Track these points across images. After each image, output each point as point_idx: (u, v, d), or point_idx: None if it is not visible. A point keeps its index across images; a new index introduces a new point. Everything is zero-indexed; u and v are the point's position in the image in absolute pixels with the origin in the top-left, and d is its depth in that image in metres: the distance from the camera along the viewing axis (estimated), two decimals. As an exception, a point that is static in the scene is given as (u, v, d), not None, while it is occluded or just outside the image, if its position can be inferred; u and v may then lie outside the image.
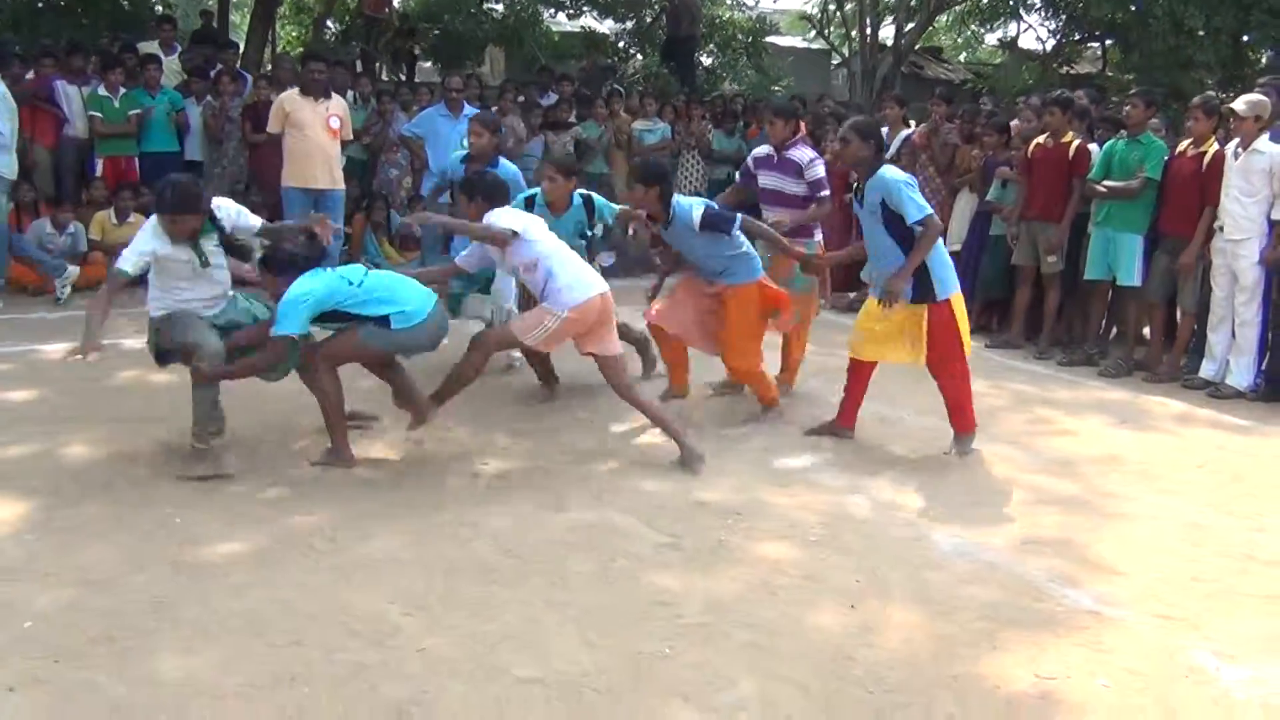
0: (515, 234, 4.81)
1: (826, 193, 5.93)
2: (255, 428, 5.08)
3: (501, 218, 4.91)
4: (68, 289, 8.10)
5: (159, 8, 14.70)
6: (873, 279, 5.29)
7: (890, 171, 4.98)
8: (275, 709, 2.87)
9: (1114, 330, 7.84)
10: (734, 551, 4.00)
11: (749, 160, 6.21)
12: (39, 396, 5.56)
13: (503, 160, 6.16)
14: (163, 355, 4.71)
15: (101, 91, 9.32)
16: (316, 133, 8.13)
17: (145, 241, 4.46)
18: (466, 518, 4.19)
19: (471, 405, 5.42)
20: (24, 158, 9.51)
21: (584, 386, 5.87)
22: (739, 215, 5.43)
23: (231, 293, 4.78)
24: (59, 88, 9.40)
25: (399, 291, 4.63)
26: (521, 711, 2.92)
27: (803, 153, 5.94)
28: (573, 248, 5.19)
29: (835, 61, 21.83)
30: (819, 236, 6.17)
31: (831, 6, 19.40)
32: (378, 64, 14.77)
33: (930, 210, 4.94)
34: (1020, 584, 3.81)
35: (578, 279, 4.88)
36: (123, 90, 9.33)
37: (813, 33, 21.15)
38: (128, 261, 4.42)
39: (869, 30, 17.43)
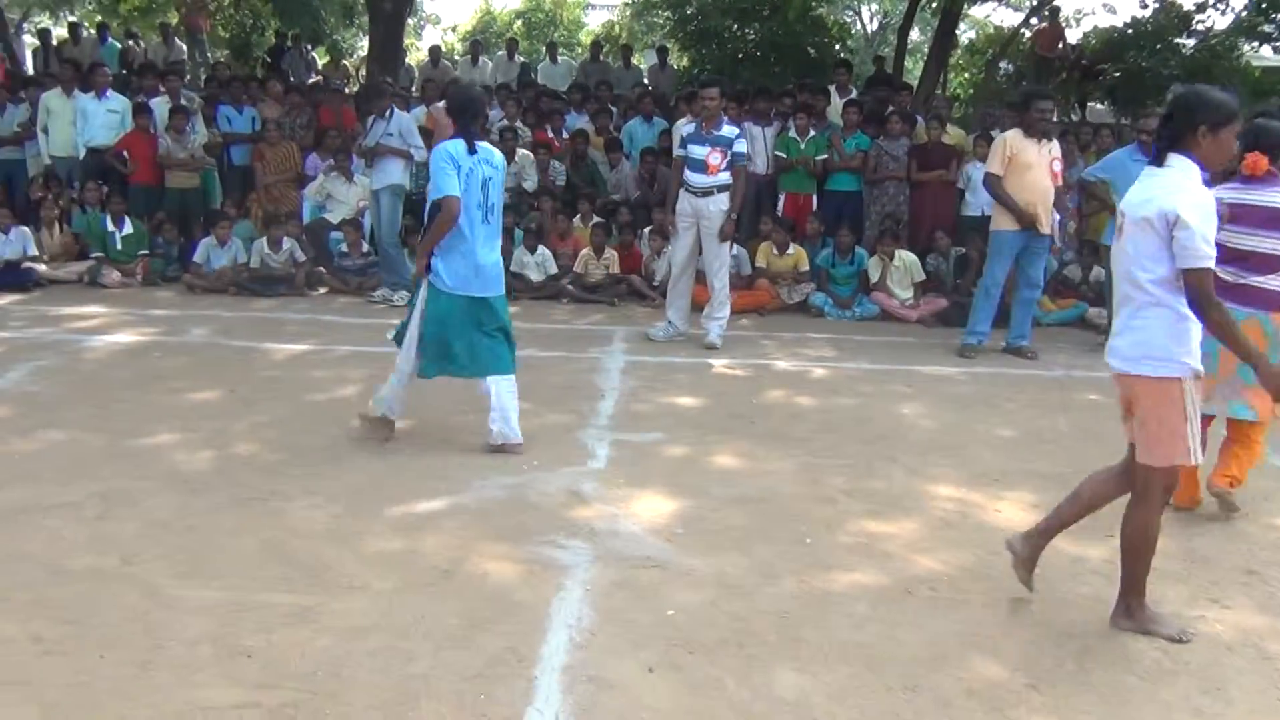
0: None
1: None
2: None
3: None
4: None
5: (841, 53, 15.59)
6: None
7: None
8: (884, 754, 2.78)
9: None
10: None
11: None
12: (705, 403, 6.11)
13: None
14: None
15: (791, 134, 10.12)
16: (1039, 175, 7.52)
17: None
18: (1105, 596, 3.78)
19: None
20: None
21: None
22: None
23: None
24: (745, 129, 10.37)
25: None
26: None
27: None
28: None
29: None
30: None
31: None
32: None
33: None
34: None
35: None
36: (811, 133, 10.04)
37: None
38: None
39: None
